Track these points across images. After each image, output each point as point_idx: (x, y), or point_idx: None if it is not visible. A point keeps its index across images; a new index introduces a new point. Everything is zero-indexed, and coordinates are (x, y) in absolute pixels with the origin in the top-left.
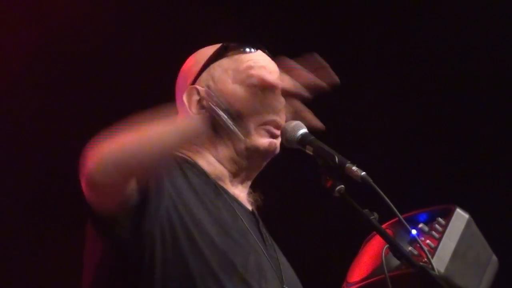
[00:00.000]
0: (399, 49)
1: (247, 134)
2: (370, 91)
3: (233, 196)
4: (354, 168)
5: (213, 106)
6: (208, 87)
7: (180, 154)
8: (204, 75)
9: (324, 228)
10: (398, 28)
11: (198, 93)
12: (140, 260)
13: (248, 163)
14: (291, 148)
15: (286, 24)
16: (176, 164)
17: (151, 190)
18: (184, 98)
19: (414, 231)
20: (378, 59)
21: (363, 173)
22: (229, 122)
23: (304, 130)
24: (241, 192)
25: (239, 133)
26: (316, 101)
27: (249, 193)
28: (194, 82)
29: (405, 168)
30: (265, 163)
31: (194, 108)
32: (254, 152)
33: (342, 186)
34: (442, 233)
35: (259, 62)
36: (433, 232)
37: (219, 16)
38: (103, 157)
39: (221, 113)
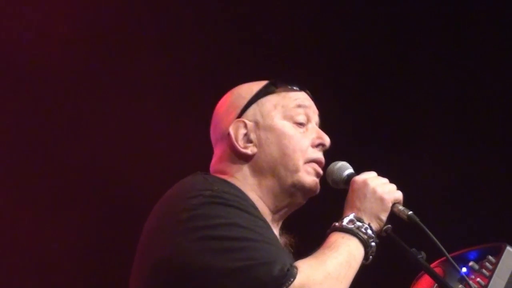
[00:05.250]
0: None
1: (295, 170)
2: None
3: (277, 238)
4: (401, 207)
5: (262, 141)
6: (256, 121)
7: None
8: (252, 109)
9: (371, 269)
10: None
11: (245, 126)
12: None
13: (291, 200)
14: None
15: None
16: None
17: None
18: (231, 130)
19: (464, 269)
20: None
21: (410, 212)
22: (279, 157)
23: (350, 170)
24: (276, 232)
25: (290, 167)
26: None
27: (280, 234)
28: (240, 115)
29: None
30: (304, 202)
31: (241, 142)
32: (299, 189)
33: (389, 226)
34: (492, 271)
35: (305, 102)
36: (483, 270)
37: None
38: None
39: (271, 147)
